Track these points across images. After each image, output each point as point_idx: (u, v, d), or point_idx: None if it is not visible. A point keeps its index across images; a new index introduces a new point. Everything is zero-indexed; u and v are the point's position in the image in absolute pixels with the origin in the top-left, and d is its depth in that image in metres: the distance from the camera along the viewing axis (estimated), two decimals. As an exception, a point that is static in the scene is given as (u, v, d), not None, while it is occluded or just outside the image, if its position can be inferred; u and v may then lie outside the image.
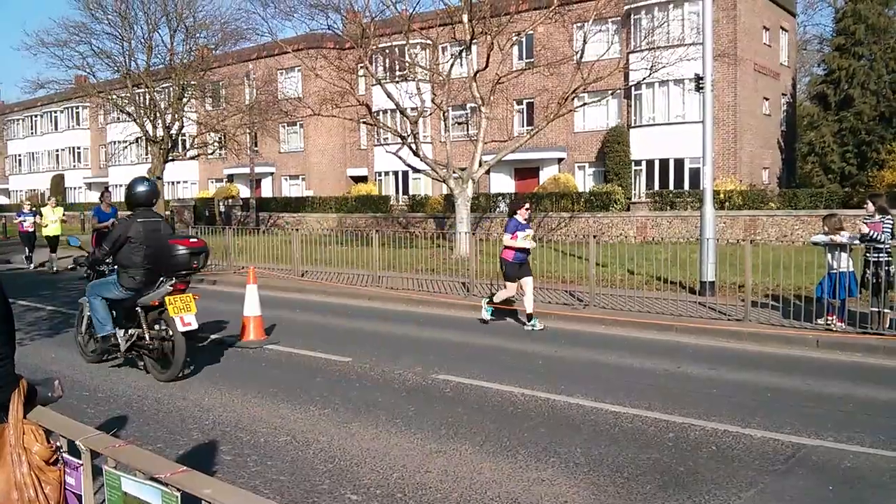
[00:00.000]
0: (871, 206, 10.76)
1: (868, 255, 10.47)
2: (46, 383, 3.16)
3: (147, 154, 42.80)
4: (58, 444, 2.92)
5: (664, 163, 34.73)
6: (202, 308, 13.95)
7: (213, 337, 10.83)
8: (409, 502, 4.94)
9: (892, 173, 29.50)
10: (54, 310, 13.70)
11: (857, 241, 10.64)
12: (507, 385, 7.92)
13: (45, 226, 20.96)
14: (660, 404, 7.16)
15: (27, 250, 22.00)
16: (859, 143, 35.91)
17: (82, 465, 2.85)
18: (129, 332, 8.51)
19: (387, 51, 30.49)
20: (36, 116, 69.17)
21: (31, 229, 21.80)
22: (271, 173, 50.19)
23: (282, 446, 6.05)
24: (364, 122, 28.98)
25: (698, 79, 14.73)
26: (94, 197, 64.62)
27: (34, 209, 23.25)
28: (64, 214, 22.88)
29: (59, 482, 2.87)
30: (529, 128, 31.40)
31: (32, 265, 21.93)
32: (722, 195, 27.90)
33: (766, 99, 38.05)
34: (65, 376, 8.37)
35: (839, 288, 10.46)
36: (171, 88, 36.39)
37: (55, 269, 20.84)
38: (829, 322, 10.58)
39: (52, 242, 20.92)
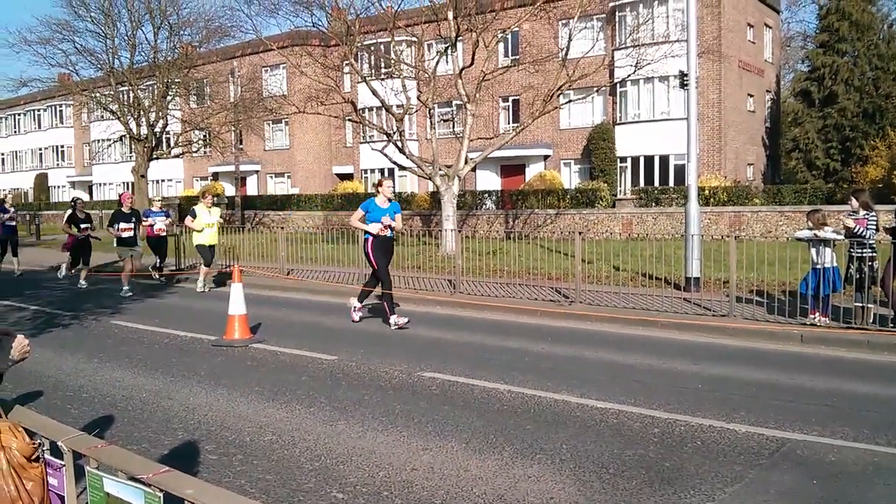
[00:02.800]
0: (854, 202, 10.82)
1: (852, 250, 10.53)
2: (2, 354, 3.10)
3: (131, 152, 42.60)
4: (38, 441, 2.90)
5: (649, 159, 34.85)
6: (187, 307, 13.95)
7: (198, 336, 10.79)
8: (396, 500, 4.94)
9: (876, 169, 29.68)
10: (38, 309, 13.62)
11: (840, 237, 10.71)
12: (493, 382, 7.93)
13: (200, 230, 16.08)
14: (645, 400, 7.18)
15: (158, 260, 18.12)
16: (843, 139, 36.12)
17: (65, 465, 2.83)
18: None
19: (372, 48, 30.43)
20: (19, 115, 68.69)
21: (162, 233, 17.92)
22: (256, 171, 50.01)
23: (267, 445, 6.03)
24: (350, 120, 28.91)
25: (683, 76, 14.78)
26: (79, 196, 64.26)
27: (165, 208, 19.87)
28: (222, 217, 17.69)
29: (41, 478, 2.85)
30: (515, 125, 31.43)
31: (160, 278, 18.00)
32: (707, 191, 28.02)
33: (751, 95, 38.23)
34: (49, 377, 8.32)
35: (823, 283, 10.52)
36: (155, 86, 36.24)
37: (204, 288, 16.13)
38: (813, 317, 10.64)
39: (207, 255, 16.25)
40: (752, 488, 5.12)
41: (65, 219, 17.42)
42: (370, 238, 11.44)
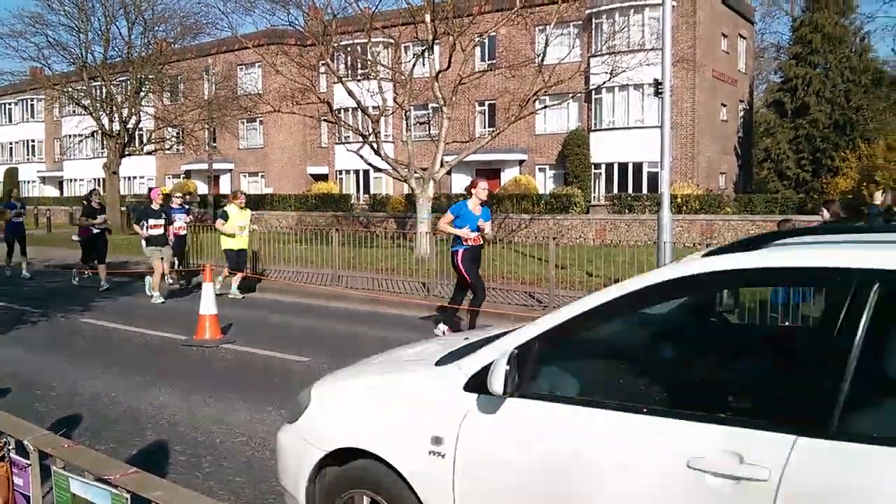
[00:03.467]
0: (826, 213, 10.97)
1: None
2: None
3: (103, 148, 42.12)
4: (3, 440, 2.86)
5: (623, 166, 35.09)
6: (158, 306, 13.81)
7: (168, 335, 10.70)
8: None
9: (846, 180, 30.07)
10: (5, 305, 13.44)
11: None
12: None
13: (232, 235, 14.76)
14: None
15: (176, 262, 16.19)
16: (814, 150, 36.60)
17: (30, 465, 2.79)
18: None
19: (349, 48, 30.36)
20: (-11, 108, 67.75)
21: (182, 232, 16.38)
22: (230, 170, 49.69)
23: (237, 447, 5.99)
24: (325, 120, 28.79)
25: (657, 84, 14.89)
26: (49, 191, 63.57)
27: (185, 205, 17.50)
28: (254, 218, 16.70)
29: (6, 478, 2.81)
30: (491, 129, 31.50)
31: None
32: (679, 199, 28.25)
33: (724, 105, 38.62)
34: (17, 374, 8.21)
35: (793, 292, 10.63)
36: (129, 82, 35.92)
37: (239, 294, 15.03)
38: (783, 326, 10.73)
39: (237, 261, 14.97)
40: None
41: (82, 211, 16.35)
42: (460, 250, 10.11)
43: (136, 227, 15.26)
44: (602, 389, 3.35)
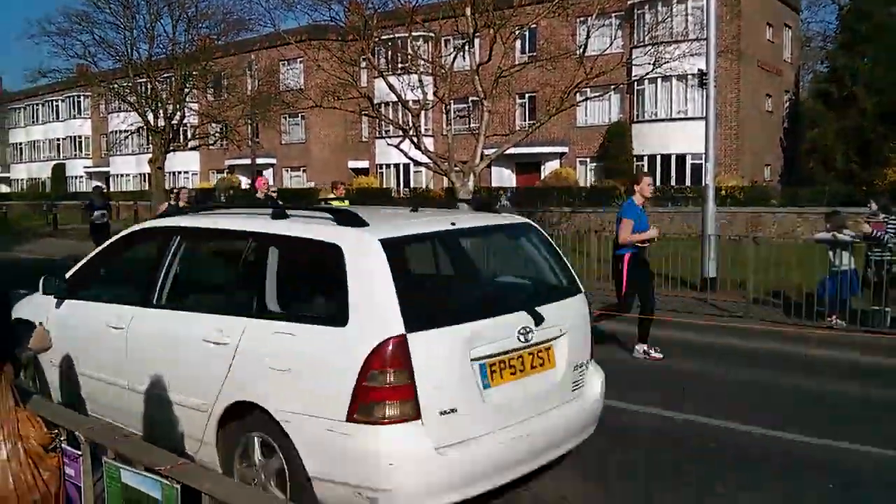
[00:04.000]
0: (873, 205, 10.74)
1: (870, 253, 10.44)
2: (20, 345, 3.09)
3: (148, 144, 42.68)
4: (56, 431, 2.90)
5: (666, 158, 34.69)
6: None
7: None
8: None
9: (895, 172, 29.43)
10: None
11: (859, 240, 10.61)
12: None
13: None
14: (660, 401, 7.14)
15: None
16: (862, 141, 35.79)
17: (82, 456, 2.83)
18: None
19: (389, 43, 30.39)
20: (37, 105, 69.09)
21: None
22: (273, 164, 50.11)
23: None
24: (366, 115, 28.87)
25: (702, 75, 14.69)
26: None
27: (271, 193, 16.22)
28: None
29: (58, 468, 2.86)
30: (531, 122, 31.34)
31: None
32: (724, 191, 27.85)
33: (769, 96, 37.97)
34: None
35: (841, 286, 10.45)
36: (173, 78, 36.33)
37: None
38: (830, 320, 10.55)
39: None
40: (766, 493, 5.08)
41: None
42: (628, 253, 9.01)
43: None
44: (123, 296, 5.60)
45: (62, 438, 2.92)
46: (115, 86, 36.65)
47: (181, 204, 15.49)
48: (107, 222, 18.01)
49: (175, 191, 16.86)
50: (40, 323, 4.44)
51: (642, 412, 6.80)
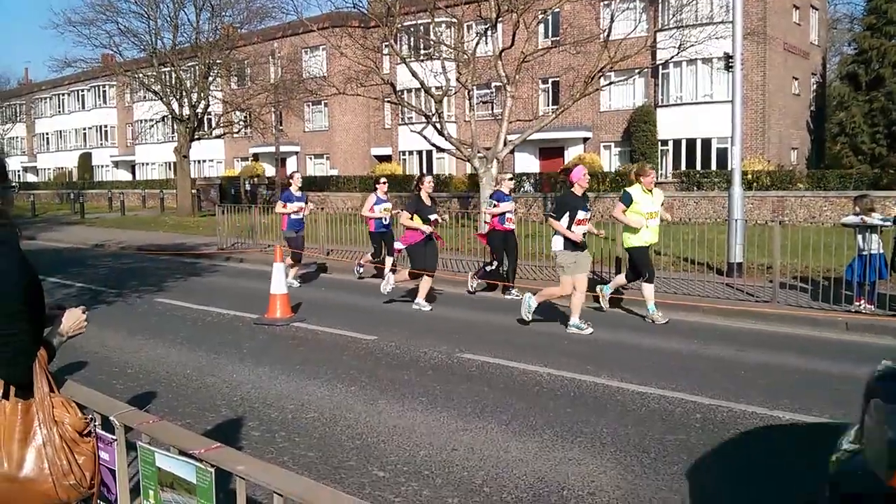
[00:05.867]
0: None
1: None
2: (52, 329, 3.11)
3: (173, 133, 43.05)
4: (90, 416, 2.95)
5: (691, 142, 34.43)
6: (229, 286, 14.11)
7: (240, 314, 10.92)
8: (436, 479, 4.96)
9: (924, 154, 29.05)
10: (83, 286, 13.86)
11: (888, 223, 10.49)
12: (533, 365, 7.91)
13: (636, 231, 10.32)
14: (686, 385, 7.13)
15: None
16: (890, 123, 35.31)
17: (116, 440, 2.88)
18: None
19: (412, 29, 30.34)
20: (63, 95, 69.78)
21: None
22: (296, 152, 50.30)
23: (309, 423, 6.09)
24: (388, 101, 28.90)
25: (728, 58, 14.55)
26: (121, 175, 65.19)
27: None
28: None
29: (92, 453, 2.90)
30: (555, 107, 31.19)
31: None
32: (750, 176, 27.59)
33: (796, 79, 37.53)
34: (94, 352, 8.48)
35: (869, 270, 10.34)
36: (197, 67, 36.55)
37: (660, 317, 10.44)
38: (858, 305, 10.46)
39: (646, 263, 10.49)
40: (795, 477, 5.06)
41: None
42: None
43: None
44: None
45: (97, 423, 2.97)
46: (140, 75, 36.90)
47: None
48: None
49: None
50: (76, 305, 3.99)
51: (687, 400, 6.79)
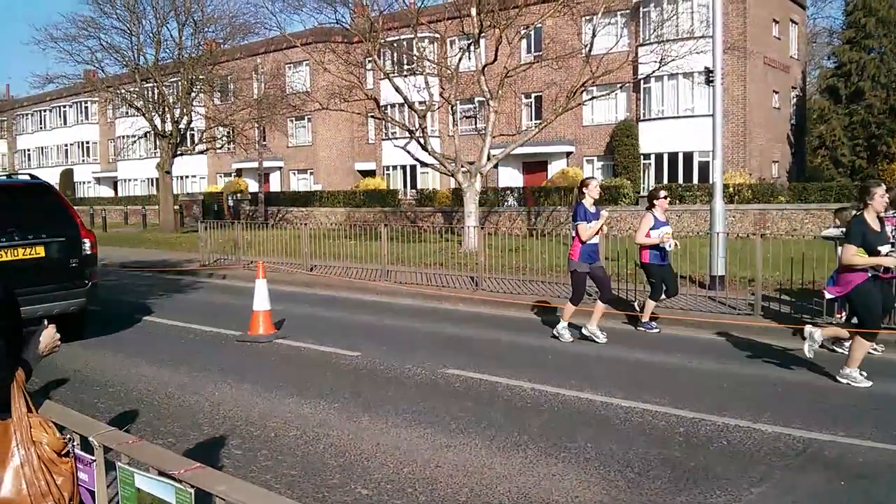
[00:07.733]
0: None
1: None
2: (28, 348, 3.09)
3: (156, 148, 42.90)
4: (69, 436, 2.92)
5: (673, 156, 34.64)
6: (212, 302, 14.03)
7: (222, 331, 10.86)
8: (420, 497, 4.94)
9: (903, 167, 29.37)
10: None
11: (868, 235, 10.54)
12: (517, 380, 7.91)
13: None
14: (670, 399, 7.14)
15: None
16: (869, 136, 35.73)
17: (95, 461, 2.86)
18: None
19: (395, 44, 30.45)
20: (45, 111, 69.40)
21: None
22: (280, 168, 50.22)
23: (292, 441, 6.06)
24: (372, 116, 28.96)
25: (708, 72, 14.65)
26: (104, 192, 64.80)
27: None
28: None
29: (71, 473, 2.88)
30: (538, 121, 31.33)
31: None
32: (731, 189, 27.79)
33: (776, 92, 37.87)
34: (77, 371, 8.41)
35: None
36: (180, 83, 36.48)
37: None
38: (839, 317, 10.52)
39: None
40: (778, 489, 5.08)
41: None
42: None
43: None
44: None
45: (75, 443, 2.94)
46: (123, 91, 36.78)
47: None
48: None
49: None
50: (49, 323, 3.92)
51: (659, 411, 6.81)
